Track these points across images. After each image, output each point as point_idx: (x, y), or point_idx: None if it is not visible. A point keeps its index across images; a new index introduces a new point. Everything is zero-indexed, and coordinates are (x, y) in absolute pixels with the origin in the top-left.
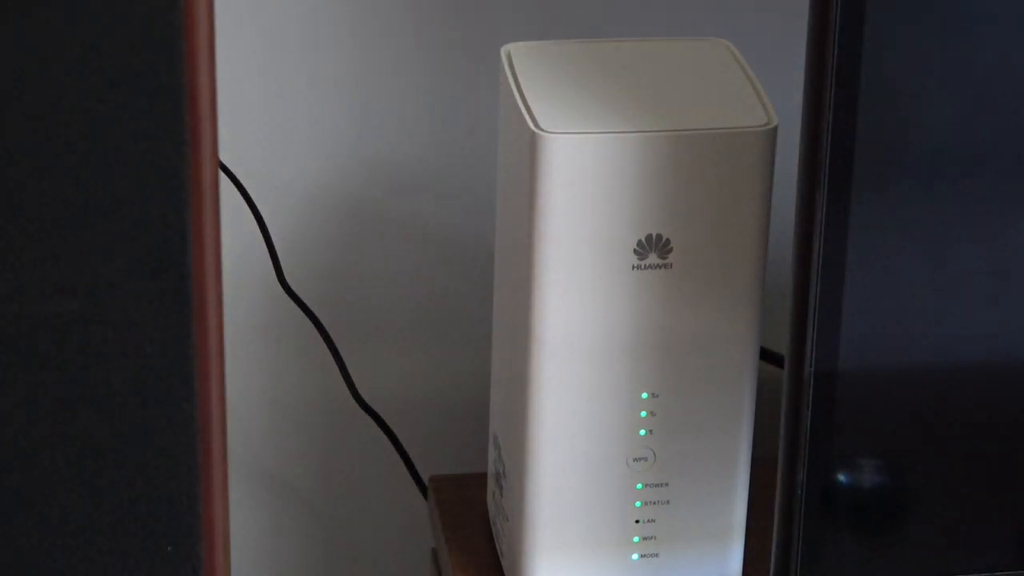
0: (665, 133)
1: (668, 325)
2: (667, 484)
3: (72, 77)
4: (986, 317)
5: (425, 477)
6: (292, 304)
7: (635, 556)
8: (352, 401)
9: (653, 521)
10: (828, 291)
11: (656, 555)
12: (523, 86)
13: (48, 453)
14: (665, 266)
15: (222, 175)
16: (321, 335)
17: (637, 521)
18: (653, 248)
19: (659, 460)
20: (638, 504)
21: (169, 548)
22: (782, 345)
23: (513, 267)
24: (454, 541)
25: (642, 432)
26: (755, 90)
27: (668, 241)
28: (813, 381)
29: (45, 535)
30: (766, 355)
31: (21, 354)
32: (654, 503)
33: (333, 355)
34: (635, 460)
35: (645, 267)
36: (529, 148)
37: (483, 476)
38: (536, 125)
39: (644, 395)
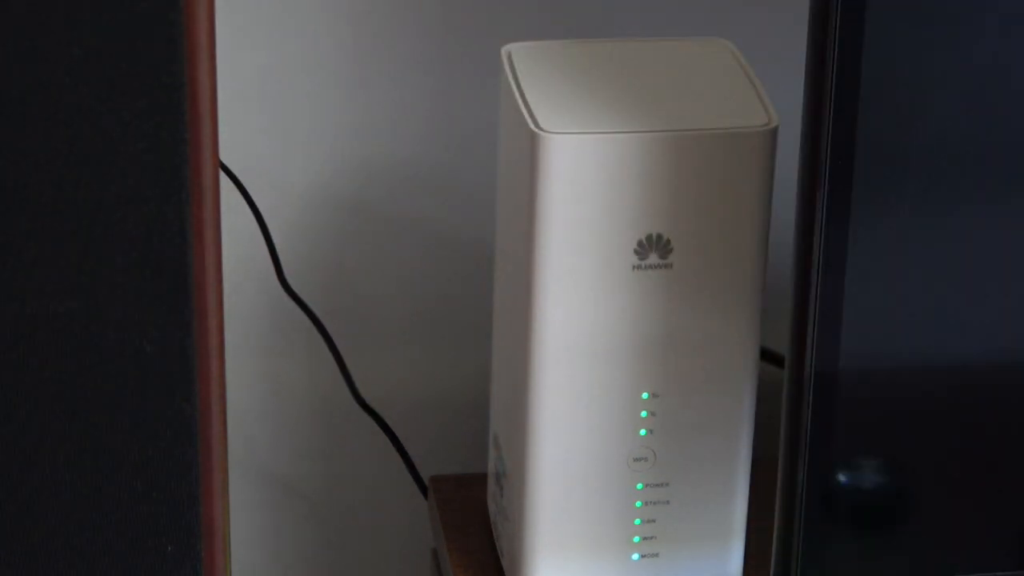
0: (665, 133)
1: (668, 325)
2: (667, 484)
3: (72, 77)
4: (986, 317)
5: (425, 477)
6: (292, 304)
7: (635, 556)
8: (352, 401)
9: (653, 521)
10: (828, 291)
11: (656, 555)
12: (523, 86)
13: (48, 453)
14: (665, 266)
15: (222, 175)
16: (321, 335)
17: (637, 521)
18: (653, 248)
19: (659, 460)
20: (638, 504)
21: (169, 548)
22: (782, 345)
23: (513, 267)
24: (454, 541)
25: (642, 432)
26: (755, 90)
27: (668, 241)
28: (813, 381)
29: (45, 535)
30: (766, 355)
31: (21, 354)
32: (654, 503)
33: (333, 355)
34: (635, 460)
35: (645, 267)
36: (529, 148)
37: (483, 476)
38: (536, 125)
39: (644, 395)
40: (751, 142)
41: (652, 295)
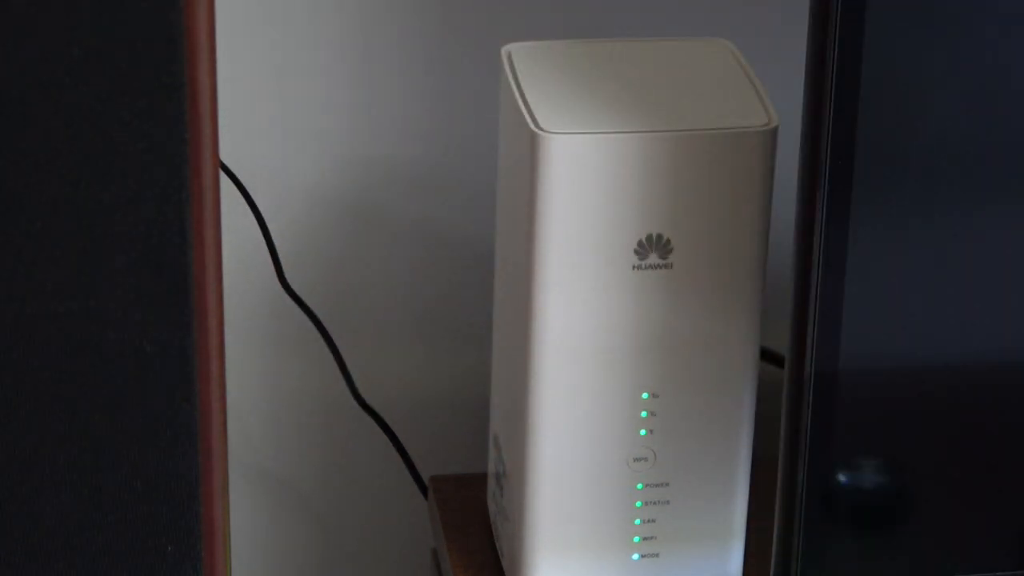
0: (665, 133)
1: (668, 325)
2: (667, 484)
3: (72, 76)
4: (986, 317)
5: (425, 477)
6: (292, 304)
7: (635, 556)
8: (352, 401)
9: (653, 521)
10: (828, 291)
11: (656, 555)
12: (523, 86)
13: (48, 453)
14: (665, 266)
15: (222, 175)
16: (321, 335)
17: (637, 521)
18: (653, 248)
19: (659, 460)
20: (638, 504)
21: (169, 548)
22: (782, 345)
23: (513, 267)
24: (454, 541)
25: (642, 432)
26: (755, 90)
27: (668, 241)
28: (813, 381)
29: (45, 535)
30: (766, 355)
31: (21, 354)
32: (654, 503)
33: (333, 355)
34: (635, 460)
35: (645, 267)
36: (529, 148)
37: (483, 476)
38: (536, 125)
39: (644, 395)
40: (751, 142)
41: (652, 295)
